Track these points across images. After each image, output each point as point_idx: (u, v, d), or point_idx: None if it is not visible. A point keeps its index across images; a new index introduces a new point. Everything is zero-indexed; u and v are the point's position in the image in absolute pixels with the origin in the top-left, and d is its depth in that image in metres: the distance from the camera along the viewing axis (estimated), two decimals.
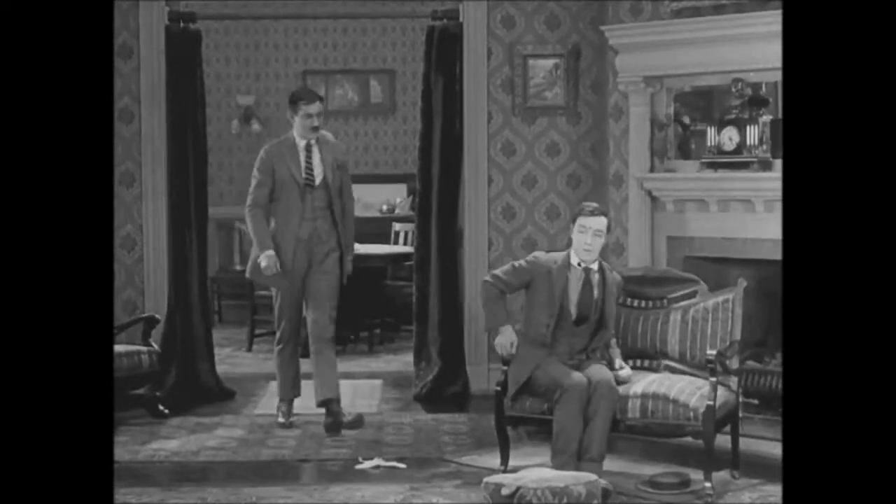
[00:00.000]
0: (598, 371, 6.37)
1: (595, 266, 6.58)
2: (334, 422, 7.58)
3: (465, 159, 8.82)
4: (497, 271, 6.73)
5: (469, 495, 6.19)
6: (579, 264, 6.54)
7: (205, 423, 7.97)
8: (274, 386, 9.16)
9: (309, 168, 7.60)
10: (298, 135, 7.64)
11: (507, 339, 6.52)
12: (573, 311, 6.50)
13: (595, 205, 6.68)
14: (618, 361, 6.52)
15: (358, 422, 7.62)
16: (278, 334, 7.86)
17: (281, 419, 7.85)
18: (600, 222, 6.50)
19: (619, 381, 6.39)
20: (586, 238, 6.49)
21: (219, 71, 13.88)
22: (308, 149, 7.62)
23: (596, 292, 6.54)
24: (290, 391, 7.91)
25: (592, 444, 6.22)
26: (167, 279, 8.79)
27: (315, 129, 7.60)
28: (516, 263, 6.69)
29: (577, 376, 6.29)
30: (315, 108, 7.60)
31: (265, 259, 7.58)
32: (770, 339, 7.71)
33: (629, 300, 6.88)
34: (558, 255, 6.62)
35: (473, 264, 8.89)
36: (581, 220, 6.51)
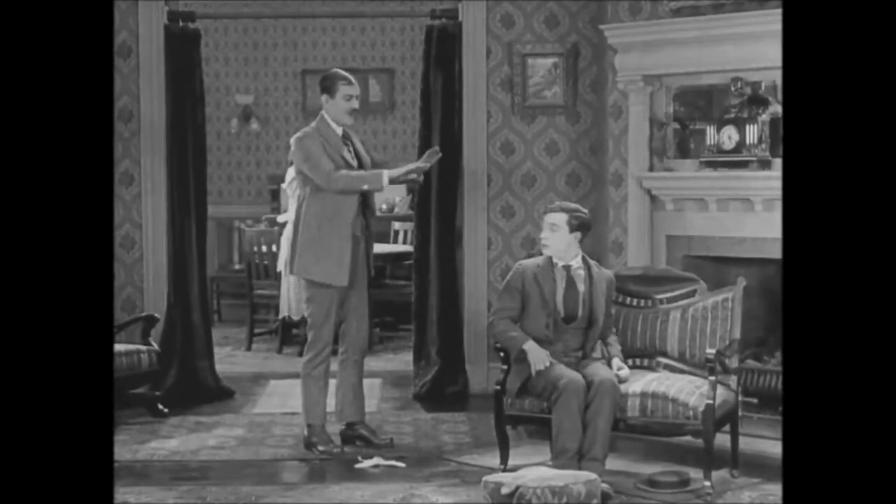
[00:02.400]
0: (599, 370, 6.38)
1: (576, 263, 6.58)
2: (367, 444, 7.23)
3: (464, 158, 8.82)
4: (495, 305, 6.73)
5: (468, 494, 6.19)
6: (556, 263, 6.57)
7: (204, 422, 7.97)
8: (273, 385, 9.19)
9: (353, 155, 7.15)
10: (334, 120, 7.10)
11: (538, 354, 6.38)
12: (561, 309, 6.52)
13: (558, 203, 6.78)
14: (616, 362, 6.52)
15: (390, 445, 7.26)
16: (316, 348, 7.14)
17: (334, 448, 7.12)
18: (556, 217, 6.56)
19: (618, 381, 6.40)
20: (543, 233, 6.60)
21: (217, 70, 13.88)
22: (345, 135, 7.15)
23: (581, 289, 6.55)
24: (324, 414, 7.20)
25: (595, 444, 6.22)
26: (166, 278, 8.79)
27: (355, 111, 7.14)
28: (505, 283, 6.69)
29: (574, 376, 6.29)
30: (356, 89, 7.12)
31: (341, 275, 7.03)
32: (769, 338, 7.71)
33: (628, 299, 6.89)
34: (540, 258, 6.66)
35: (472, 263, 8.89)
36: (544, 217, 6.63)
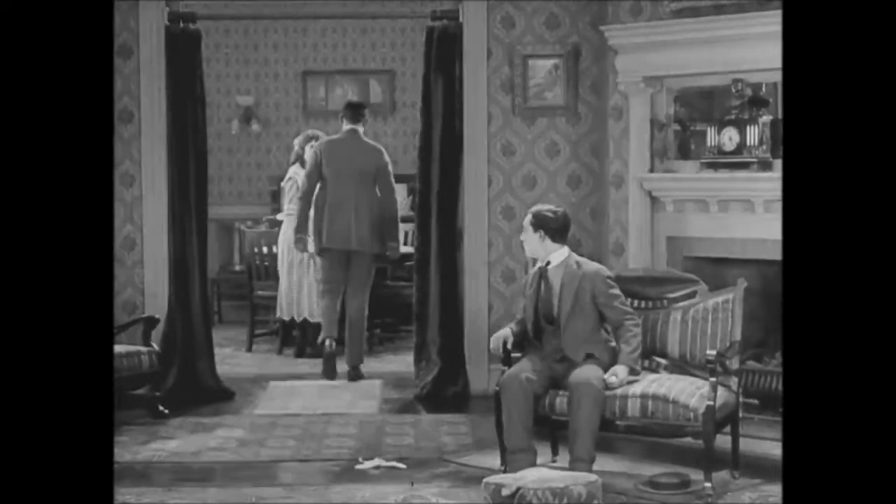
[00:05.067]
0: (580, 371, 6.34)
1: (553, 263, 6.58)
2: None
3: (464, 159, 8.81)
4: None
5: (469, 495, 6.19)
6: (539, 264, 6.65)
7: (205, 423, 7.97)
8: (274, 386, 9.21)
9: None
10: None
11: (497, 335, 6.66)
12: (539, 310, 6.55)
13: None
14: (614, 368, 6.39)
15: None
16: None
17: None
18: (524, 219, 6.68)
19: (608, 387, 6.34)
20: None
21: (219, 71, 13.88)
22: None
23: (555, 291, 6.54)
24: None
25: (575, 444, 6.22)
26: (167, 279, 8.78)
27: None
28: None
29: (515, 373, 6.36)
30: None
31: None
32: (770, 340, 7.71)
33: (629, 300, 6.87)
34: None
35: (473, 265, 8.88)
36: None
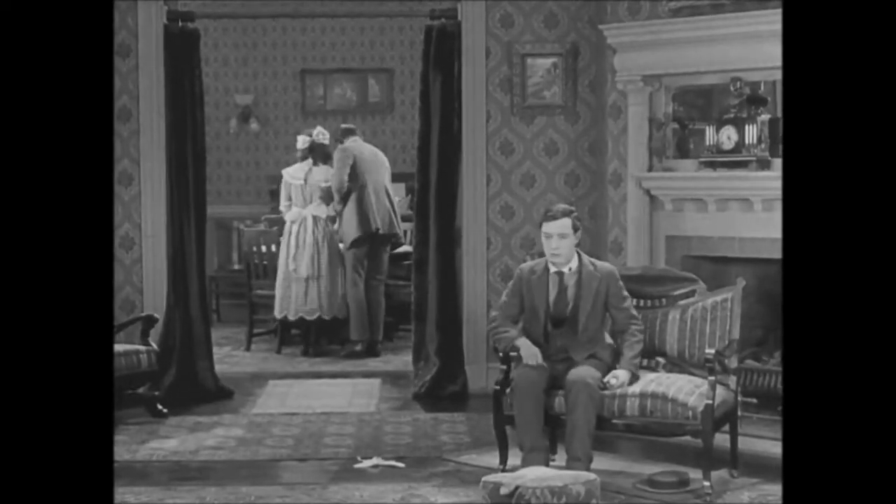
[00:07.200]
0: (577, 370, 6.33)
1: (570, 267, 6.52)
2: None
3: (463, 158, 8.81)
4: (498, 305, 6.79)
5: (468, 494, 6.19)
6: (551, 269, 6.51)
7: (203, 422, 7.97)
8: (272, 385, 9.20)
9: None
10: None
11: (530, 350, 6.40)
12: (551, 314, 6.49)
13: (557, 207, 6.60)
14: (615, 371, 6.39)
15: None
16: None
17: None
18: (562, 225, 6.42)
19: (607, 387, 6.33)
20: (552, 243, 6.44)
21: (217, 70, 13.88)
22: None
23: (571, 293, 6.51)
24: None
25: (572, 444, 6.21)
26: (166, 278, 8.78)
27: None
28: (509, 284, 6.73)
29: (527, 371, 6.31)
30: None
31: None
32: (769, 338, 7.72)
33: None
34: (541, 262, 6.59)
35: (472, 263, 8.88)
36: (544, 227, 6.48)
